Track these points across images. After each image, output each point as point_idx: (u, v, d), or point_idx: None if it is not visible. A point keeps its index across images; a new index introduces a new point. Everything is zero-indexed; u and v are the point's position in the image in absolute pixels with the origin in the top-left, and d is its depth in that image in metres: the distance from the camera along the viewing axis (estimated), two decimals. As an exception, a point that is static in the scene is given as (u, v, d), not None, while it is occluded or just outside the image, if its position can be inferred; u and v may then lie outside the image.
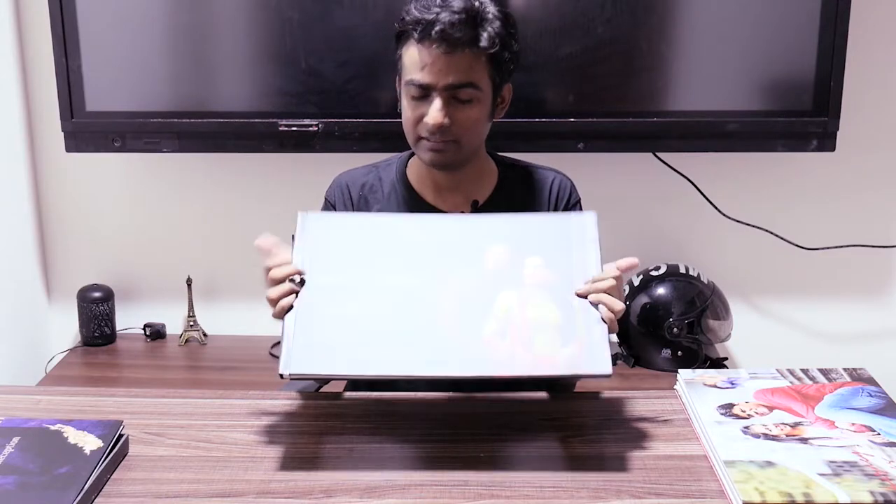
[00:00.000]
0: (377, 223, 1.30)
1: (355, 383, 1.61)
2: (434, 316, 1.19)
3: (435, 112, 1.40)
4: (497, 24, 1.42)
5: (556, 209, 1.52)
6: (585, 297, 1.22)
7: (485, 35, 1.40)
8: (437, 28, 1.37)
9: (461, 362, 1.16)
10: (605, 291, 1.22)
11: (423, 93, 1.42)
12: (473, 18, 1.39)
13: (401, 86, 1.48)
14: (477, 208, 1.51)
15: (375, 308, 1.20)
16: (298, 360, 1.15)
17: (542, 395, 1.36)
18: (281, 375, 1.14)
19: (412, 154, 1.56)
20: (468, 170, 1.51)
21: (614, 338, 2.11)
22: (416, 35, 1.41)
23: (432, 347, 1.17)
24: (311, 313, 1.20)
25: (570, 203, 1.54)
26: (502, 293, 1.21)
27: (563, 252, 1.25)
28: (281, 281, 1.24)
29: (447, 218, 1.33)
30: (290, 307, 1.21)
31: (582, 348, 1.17)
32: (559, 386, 1.53)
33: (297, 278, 1.23)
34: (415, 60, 1.42)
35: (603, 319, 1.20)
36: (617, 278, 1.24)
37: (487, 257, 1.24)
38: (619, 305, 1.22)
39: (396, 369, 1.18)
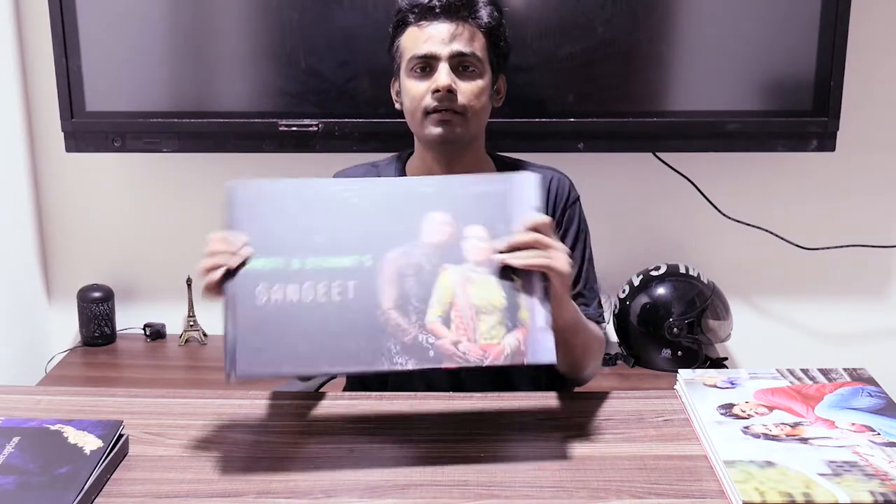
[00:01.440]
0: (312, 189, 1.22)
1: (352, 384, 1.61)
2: (377, 302, 1.16)
3: (442, 75, 1.41)
4: (491, 7, 1.46)
5: (555, 208, 1.52)
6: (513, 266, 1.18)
7: (483, 12, 1.45)
8: (436, 2, 1.42)
9: (407, 355, 1.14)
10: (527, 245, 1.17)
11: (428, 66, 1.43)
12: None
13: (399, 76, 1.48)
14: None
15: (317, 297, 1.16)
16: (244, 361, 1.13)
17: (542, 394, 1.36)
18: (227, 376, 1.12)
19: (410, 153, 1.56)
20: (467, 167, 1.50)
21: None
22: (413, 17, 1.44)
23: (377, 339, 1.14)
24: (251, 306, 1.15)
25: (570, 201, 1.53)
26: (444, 272, 1.17)
27: (502, 220, 1.20)
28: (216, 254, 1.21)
29: (385, 182, 1.27)
30: (216, 286, 1.19)
31: (526, 335, 1.16)
32: (559, 385, 1.53)
33: (239, 256, 1.19)
34: (416, 38, 1.44)
35: (546, 289, 1.18)
36: (539, 230, 1.19)
37: (427, 227, 1.19)
38: (557, 263, 1.18)
39: (342, 365, 1.16)
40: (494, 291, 1.17)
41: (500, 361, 1.15)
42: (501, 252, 1.18)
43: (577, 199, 1.55)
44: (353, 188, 1.22)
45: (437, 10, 1.42)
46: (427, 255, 1.18)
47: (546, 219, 1.21)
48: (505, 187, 1.22)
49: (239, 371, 1.13)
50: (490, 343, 1.15)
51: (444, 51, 1.42)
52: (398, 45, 1.48)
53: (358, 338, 1.15)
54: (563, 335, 1.24)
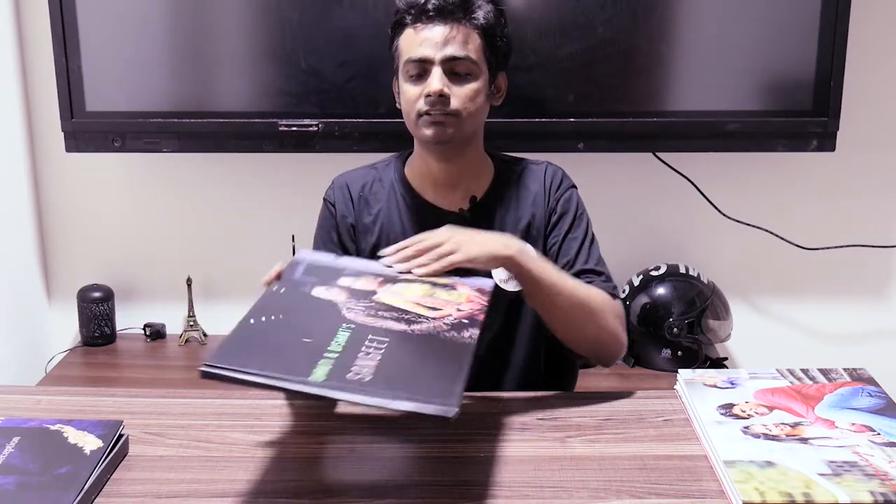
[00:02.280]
0: (253, 324, 1.18)
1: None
2: (401, 334, 1.14)
3: (435, 80, 1.41)
4: (488, 7, 1.46)
5: (550, 196, 1.53)
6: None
7: (479, 12, 1.45)
8: (429, 3, 1.42)
9: (463, 331, 1.15)
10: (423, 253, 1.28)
11: (422, 69, 1.43)
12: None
13: (398, 77, 1.48)
14: (475, 203, 1.51)
15: (376, 358, 1.09)
16: (446, 401, 1.00)
17: (542, 394, 1.36)
18: (450, 419, 0.99)
19: (409, 153, 1.56)
20: (466, 165, 1.51)
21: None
22: (410, 18, 1.44)
23: (442, 342, 1.14)
24: (358, 388, 1.03)
25: (562, 188, 1.53)
26: (382, 297, 1.21)
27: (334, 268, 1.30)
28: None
29: (275, 291, 1.27)
30: None
31: (467, 283, 1.26)
32: (558, 385, 1.53)
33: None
34: (412, 41, 1.44)
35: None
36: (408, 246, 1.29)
37: (327, 295, 1.22)
38: (461, 254, 1.27)
39: (464, 362, 1.11)
40: (414, 287, 1.25)
41: (485, 300, 1.23)
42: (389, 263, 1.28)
43: (572, 186, 1.55)
44: (268, 305, 1.22)
45: (432, 13, 1.42)
46: (360, 306, 1.19)
47: (406, 241, 1.31)
48: (298, 258, 1.32)
49: (454, 409, 1.00)
50: (463, 298, 1.23)
51: (437, 55, 1.41)
52: (396, 46, 1.48)
53: (438, 353, 1.13)
54: (542, 293, 1.33)
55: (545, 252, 1.51)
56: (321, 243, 1.55)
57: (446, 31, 1.42)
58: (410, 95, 1.44)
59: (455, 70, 1.43)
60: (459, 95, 1.43)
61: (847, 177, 2.33)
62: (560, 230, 1.51)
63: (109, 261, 2.44)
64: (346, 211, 1.54)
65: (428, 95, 1.41)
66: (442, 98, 1.41)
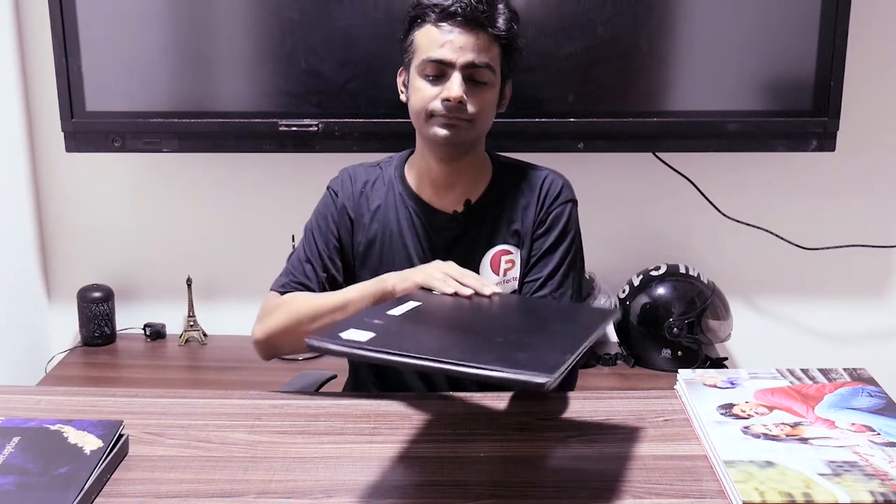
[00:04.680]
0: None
1: (352, 384, 1.61)
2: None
3: (455, 86, 1.41)
4: (508, 13, 1.45)
5: (543, 207, 1.52)
6: None
7: (501, 19, 1.44)
8: (457, 6, 1.40)
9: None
10: None
11: (441, 71, 1.42)
12: (489, 3, 1.42)
13: (409, 70, 1.48)
14: (469, 206, 1.51)
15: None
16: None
17: (543, 395, 1.36)
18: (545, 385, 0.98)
19: (411, 153, 1.56)
20: (465, 166, 1.51)
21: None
22: (433, 16, 1.43)
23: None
24: None
25: (558, 200, 1.52)
26: None
27: None
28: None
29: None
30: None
31: None
32: (558, 385, 1.52)
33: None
34: (433, 39, 1.43)
35: None
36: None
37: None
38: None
39: None
40: None
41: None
42: None
43: (570, 200, 1.54)
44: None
45: (459, 16, 1.41)
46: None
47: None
48: None
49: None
50: None
51: (459, 59, 1.41)
52: (413, 40, 1.46)
53: None
54: None
55: (528, 259, 1.50)
56: (315, 225, 1.54)
57: (471, 38, 1.41)
58: (425, 94, 1.43)
59: (474, 77, 1.42)
60: (476, 102, 1.42)
61: (847, 177, 2.33)
62: (543, 244, 1.50)
63: (109, 261, 2.44)
64: (347, 202, 1.53)
65: (447, 100, 1.41)
66: (460, 104, 1.41)
